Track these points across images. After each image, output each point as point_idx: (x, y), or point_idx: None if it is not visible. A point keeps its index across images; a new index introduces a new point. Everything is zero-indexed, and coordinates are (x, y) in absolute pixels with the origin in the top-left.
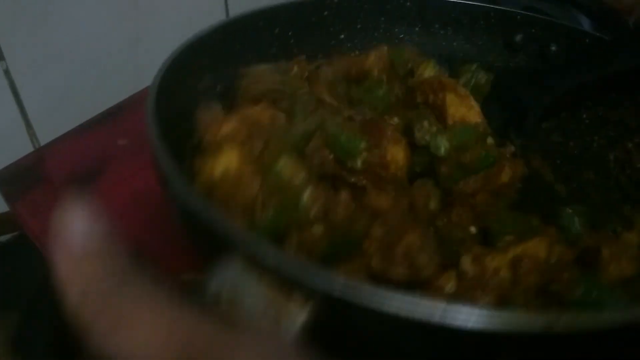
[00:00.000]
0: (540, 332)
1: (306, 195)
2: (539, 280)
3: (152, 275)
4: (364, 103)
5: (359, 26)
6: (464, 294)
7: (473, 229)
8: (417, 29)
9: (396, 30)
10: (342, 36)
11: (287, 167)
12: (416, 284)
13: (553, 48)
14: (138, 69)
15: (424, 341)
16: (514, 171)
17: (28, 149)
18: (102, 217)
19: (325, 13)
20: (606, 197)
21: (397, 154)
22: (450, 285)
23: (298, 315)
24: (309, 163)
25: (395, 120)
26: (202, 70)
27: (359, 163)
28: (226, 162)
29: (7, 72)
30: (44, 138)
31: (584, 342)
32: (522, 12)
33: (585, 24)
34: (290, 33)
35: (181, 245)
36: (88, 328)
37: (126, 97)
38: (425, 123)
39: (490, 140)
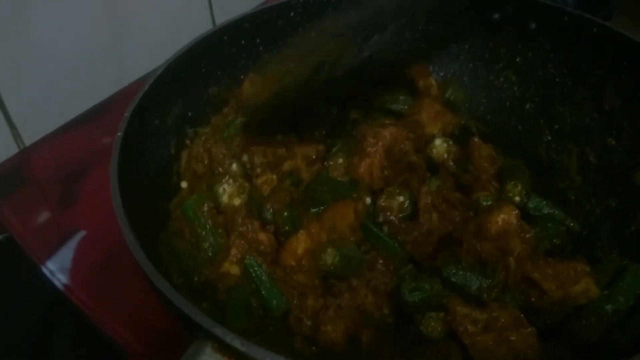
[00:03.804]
0: None
1: None
2: None
3: None
4: None
5: (328, 20)
6: None
7: None
8: None
9: None
10: (313, 34)
11: None
12: None
13: None
14: (120, 66)
15: None
16: None
17: (13, 149)
18: None
19: (292, 14)
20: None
21: None
22: None
23: None
24: None
25: None
26: (171, 101)
27: None
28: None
29: None
30: (29, 138)
31: None
32: None
33: None
34: (257, 40)
35: None
36: None
37: (109, 94)
38: None
39: None
